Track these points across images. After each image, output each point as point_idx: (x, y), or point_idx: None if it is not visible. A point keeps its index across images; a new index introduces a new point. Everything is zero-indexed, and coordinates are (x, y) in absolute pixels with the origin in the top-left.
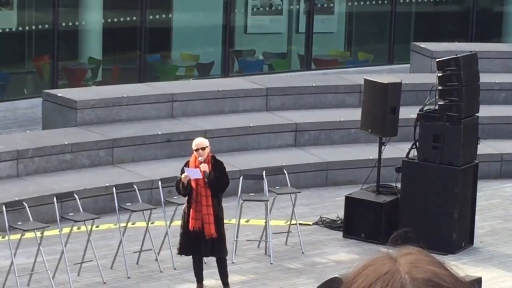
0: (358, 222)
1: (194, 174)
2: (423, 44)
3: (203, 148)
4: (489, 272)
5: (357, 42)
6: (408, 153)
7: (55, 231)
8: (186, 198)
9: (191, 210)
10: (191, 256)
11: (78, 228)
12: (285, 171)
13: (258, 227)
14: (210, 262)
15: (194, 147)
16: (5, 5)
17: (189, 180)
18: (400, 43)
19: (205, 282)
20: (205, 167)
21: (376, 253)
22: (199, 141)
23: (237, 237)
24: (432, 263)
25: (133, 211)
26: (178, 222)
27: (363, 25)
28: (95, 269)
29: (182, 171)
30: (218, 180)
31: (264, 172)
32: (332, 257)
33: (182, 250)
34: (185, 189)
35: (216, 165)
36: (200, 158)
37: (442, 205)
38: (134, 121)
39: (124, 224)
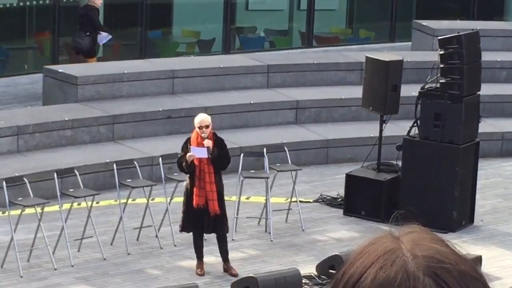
0: (358, 200)
1: (200, 153)
2: (425, 22)
3: (207, 126)
4: (489, 250)
5: (358, 19)
6: (409, 131)
7: (55, 207)
8: (188, 175)
9: (195, 187)
10: (191, 233)
11: (78, 204)
12: (285, 148)
13: (258, 204)
14: (210, 239)
15: (197, 124)
16: None
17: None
18: (402, 20)
19: (205, 259)
20: (209, 143)
21: (378, 232)
22: (203, 118)
23: (237, 214)
24: (435, 241)
25: (133, 187)
26: (178, 199)
27: (364, 3)
28: (95, 245)
29: (183, 149)
30: (221, 157)
31: (264, 149)
32: (332, 235)
33: (185, 227)
34: (189, 167)
35: (218, 142)
36: (203, 135)
37: (443, 183)
38: (135, 97)
39: (125, 201)
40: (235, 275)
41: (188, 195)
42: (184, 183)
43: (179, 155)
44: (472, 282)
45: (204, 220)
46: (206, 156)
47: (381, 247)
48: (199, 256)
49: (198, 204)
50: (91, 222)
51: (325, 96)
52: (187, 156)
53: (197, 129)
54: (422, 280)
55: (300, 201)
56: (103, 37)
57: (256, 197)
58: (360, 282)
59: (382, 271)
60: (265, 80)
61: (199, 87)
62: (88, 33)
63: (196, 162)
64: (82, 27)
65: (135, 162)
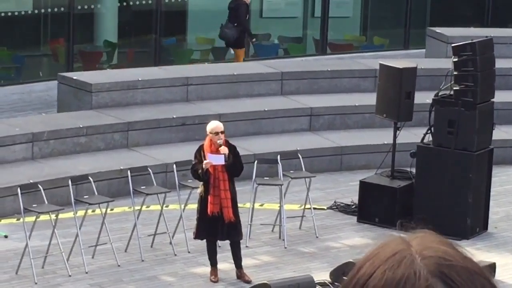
0: (372, 207)
1: (217, 160)
2: (438, 29)
3: (222, 132)
4: (503, 257)
5: (372, 26)
6: (423, 138)
7: (70, 214)
8: (202, 182)
9: (209, 195)
10: (205, 240)
11: (93, 211)
12: (299, 156)
13: (272, 211)
14: (224, 246)
15: (211, 131)
16: None
17: None
18: (416, 28)
19: (219, 266)
20: (225, 150)
21: (389, 236)
22: (217, 125)
23: (251, 221)
24: (443, 244)
25: (147, 194)
26: (192, 206)
27: (378, 10)
28: (110, 252)
29: (196, 156)
30: (235, 164)
31: (278, 156)
32: (346, 242)
33: (199, 235)
34: (204, 174)
35: (231, 149)
36: (219, 141)
37: (457, 191)
38: (149, 105)
39: (139, 207)
40: (249, 282)
41: (203, 203)
42: (198, 190)
43: (193, 163)
44: (480, 282)
45: (218, 227)
46: (223, 163)
47: (390, 249)
48: (213, 263)
49: (212, 212)
50: (106, 229)
51: (339, 103)
52: (204, 163)
53: (210, 135)
54: (430, 280)
55: (314, 208)
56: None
57: (270, 204)
58: (369, 282)
59: (391, 271)
60: (279, 87)
61: (213, 94)
62: (235, 24)
63: (210, 170)
64: (230, 19)
65: (149, 169)
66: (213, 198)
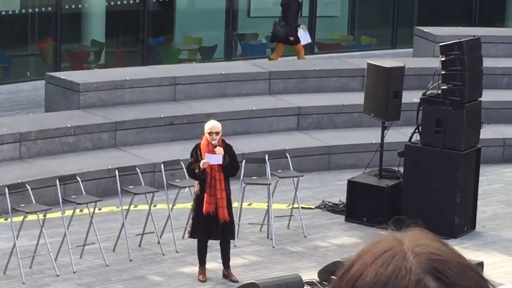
0: (360, 206)
1: (215, 159)
2: (426, 29)
3: (217, 133)
4: (491, 256)
5: (360, 26)
6: (411, 137)
7: (58, 214)
8: (198, 182)
9: (205, 194)
10: (194, 239)
11: (81, 211)
12: (287, 155)
13: (260, 210)
14: (212, 245)
15: (207, 130)
16: None
17: None
18: (404, 27)
19: (207, 265)
20: (220, 150)
21: (380, 234)
22: (213, 124)
23: (239, 221)
24: (436, 241)
25: (135, 194)
26: (180, 205)
27: (366, 9)
28: (98, 251)
29: (192, 155)
30: (232, 164)
31: (266, 155)
32: (334, 241)
33: (194, 234)
34: (201, 173)
35: (227, 149)
36: (214, 142)
37: (445, 190)
38: (137, 104)
39: (127, 207)
40: (235, 282)
41: (198, 202)
42: (194, 190)
43: (189, 161)
44: (473, 276)
45: (213, 227)
46: (221, 162)
47: (382, 246)
48: (202, 262)
49: (208, 211)
50: (93, 228)
51: (327, 103)
52: (201, 163)
53: (207, 135)
54: (422, 276)
55: (302, 208)
56: (302, 35)
57: (258, 203)
58: (360, 279)
59: (382, 267)
60: (267, 86)
61: (201, 93)
62: (285, 23)
63: (207, 169)
64: (282, 17)
65: (137, 169)
66: (209, 197)
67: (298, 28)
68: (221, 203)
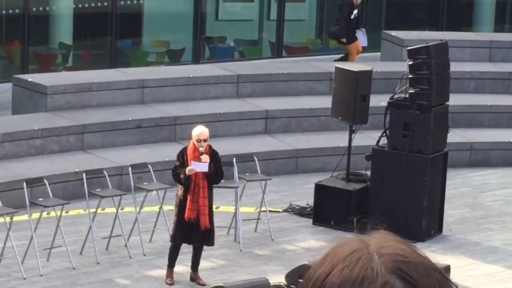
0: (327, 210)
1: (200, 167)
2: (394, 33)
3: (205, 140)
4: (457, 260)
5: (328, 30)
6: (378, 141)
7: (25, 217)
8: (181, 186)
9: (188, 200)
10: (161, 243)
11: (48, 214)
12: (255, 158)
13: (228, 213)
14: (181, 248)
15: (195, 137)
16: None
17: None
18: (371, 31)
19: (175, 269)
20: (206, 159)
21: (346, 237)
22: (201, 131)
23: None
24: (401, 243)
25: (102, 196)
26: (147, 208)
27: (334, 13)
28: (65, 254)
29: (178, 159)
30: (216, 172)
31: (234, 159)
32: (301, 244)
33: (176, 239)
34: (186, 180)
35: (213, 156)
36: (201, 149)
37: (412, 193)
38: (105, 107)
39: (94, 210)
40: (203, 285)
41: (181, 207)
42: (177, 194)
43: (175, 164)
44: (437, 277)
45: (193, 233)
46: (206, 170)
47: (348, 248)
48: (172, 265)
49: (189, 217)
50: (61, 231)
51: (295, 106)
52: (187, 170)
53: (194, 141)
54: (387, 277)
55: (270, 211)
56: (361, 39)
57: (225, 206)
58: (327, 280)
59: (348, 269)
60: (235, 90)
61: (169, 96)
62: (337, 24)
63: (192, 176)
64: (338, 18)
65: (104, 172)
66: (192, 204)
67: (358, 30)
68: (203, 210)
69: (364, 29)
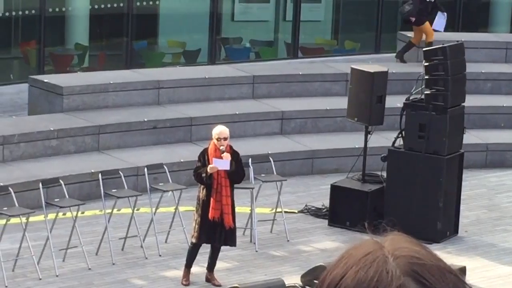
0: (343, 211)
1: (222, 165)
2: (409, 33)
3: (225, 138)
4: (473, 261)
5: (344, 30)
6: (394, 142)
7: (41, 217)
8: (203, 187)
9: (212, 200)
10: (177, 244)
11: (64, 214)
12: (271, 159)
13: (243, 214)
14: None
15: (215, 136)
16: None
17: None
18: (387, 32)
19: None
20: (228, 156)
21: (361, 239)
22: (221, 130)
23: None
24: (416, 245)
25: (118, 197)
26: (163, 209)
27: (350, 14)
28: (80, 255)
29: (199, 159)
30: (238, 171)
31: (250, 159)
32: (317, 245)
33: (200, 239)
34: (208, 178)
35: (234, 156)
36: (222, 148)
37: (427, 194)
38: (120, 108)
39: (110, 211)
40: (218, 286)
41: (204, 207)
42: (199, 195)
43: (196, 165)
44: (452, 280)
45: (217, 233)
46: (228, 168)
47: (363, 250)
48: (189, 265)
49: (213, 217)
50: (76, 232)
51: (311, 107)
52: (208, 168)
53: (215, 140)
54: (402, 279)
55: (285, 212)
56: (438, 22)
57: (241, 207)
58: (341, 282)
59: (363, 271)
60: (251, 90)
61: (185, 97)
62: (411, 3)
63: (214, 175)
64: None
65: (120, 172)
66: (215, 203)
67: (439, 13)
68: (226, 209)
69: (445, 14)
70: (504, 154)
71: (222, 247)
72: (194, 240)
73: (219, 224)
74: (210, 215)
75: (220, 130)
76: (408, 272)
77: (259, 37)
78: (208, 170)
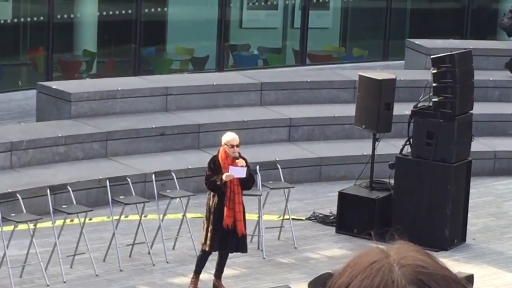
0: (351, 218)
1: (239, 173)
2: (418, 41)
3: (238, 145)
4: (481, 269)
5: (352, 37)
6: (402, 150)
7: (48, 223)
8: (214, 194)
9: (225, 207)
10: (184, 250)
11: (71, 221)
12: (278, 166)
13: (251, 221)
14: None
15: (228, 143)
16: None
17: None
18: (395, 39)
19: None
20: (242, 162)
21: (367, 247)
22: (234, 137)
23: None
24: (422, 253)
25: (126, 204)
26: (171, 216)
27: (358, 21)
28: (88, 261)
29: (210, 167)
30: (249, 178)
31: (257, 166)
32: (324, 253)
33: (213, 246)
34: (223, 186)
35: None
36: (235, 154)
37: (435, 202)
38: (128, 114)
39: (117, 217)
40: None
41: (216, 214)
42: (208, 203)
43: (207, 173)
44: None
45: (229, 240)
46: (244, 176)
47: (369, 258)
48: (198, 272)
49: (227, 224)
50: (84, 238)
51: (318, 114)
52: (224, 176)
53: (226, 147)
54: (407, 287)
55: (293, 219)
56: None
57: (248, 214)
58: None
59: (369, 279)
60: (259, 97)
61: (193, 104)
62: (511, 16)
63: (227, 183)
64: None
65: (128, 179)
66: (228, 211)
67: None
68: (239, 216)
69: None
70: None
71: (230, 254)
72: (207, 248)
73: (232, 231)
74: (224, 223)
75: (232, 137)
76: (413, 281)
77: (267, 44)
78: (224, 178)
